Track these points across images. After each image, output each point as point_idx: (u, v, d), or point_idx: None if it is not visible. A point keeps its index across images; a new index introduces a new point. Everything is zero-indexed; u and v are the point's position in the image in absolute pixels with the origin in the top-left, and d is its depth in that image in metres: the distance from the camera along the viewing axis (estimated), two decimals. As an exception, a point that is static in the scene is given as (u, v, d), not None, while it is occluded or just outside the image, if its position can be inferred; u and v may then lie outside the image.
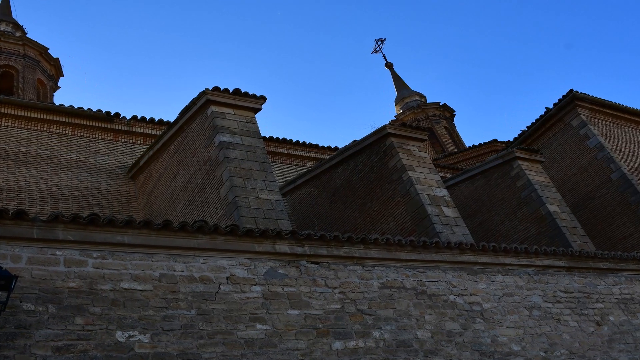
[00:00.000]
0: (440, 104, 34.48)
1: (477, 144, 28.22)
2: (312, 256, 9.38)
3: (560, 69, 71.25)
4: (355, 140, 16.17)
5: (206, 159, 12.80)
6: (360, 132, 70.80)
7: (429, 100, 35.23)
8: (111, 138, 16.36)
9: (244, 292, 8.33)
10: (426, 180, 14.30)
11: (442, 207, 13.82)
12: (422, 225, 13.46)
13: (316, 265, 9.32)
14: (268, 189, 12.06)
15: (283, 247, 9.17)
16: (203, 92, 13.19)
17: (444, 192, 14.30)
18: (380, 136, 15.17)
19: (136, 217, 14.60)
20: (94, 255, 7.62)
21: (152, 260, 7.97)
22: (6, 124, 15.17)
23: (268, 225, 11.05)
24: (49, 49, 25.20)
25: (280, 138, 19.24)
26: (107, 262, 7.63)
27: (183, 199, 13.54)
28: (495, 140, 28.05)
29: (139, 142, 16.73)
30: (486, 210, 17.81)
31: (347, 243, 9.82)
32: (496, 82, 74.99)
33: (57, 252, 7.41)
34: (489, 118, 73.15)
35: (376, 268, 9.93)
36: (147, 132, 16.83)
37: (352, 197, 15.68)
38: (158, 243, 8.18)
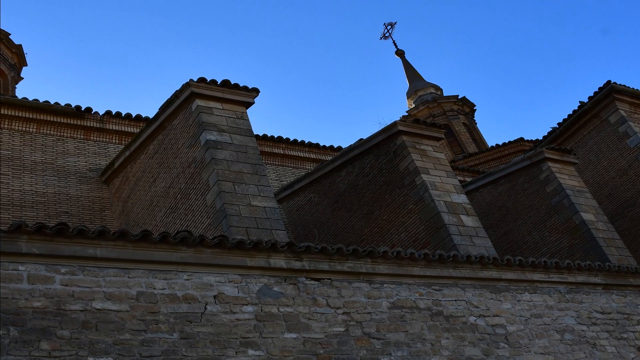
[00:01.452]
0: (459, 97, 34.57)
1: (500, 144, 28.31)
2: (312, 272, 9.40)
3: (596, 57, 71.42)
4: (361, 139, 16.20)
5: (190, 160, 12.84)
6: (367, 129, 70.97)
7: (445, 93, 35.32)
8: (82, 136, 16.40)
9: (234, 313, 8.35)
10: (442, 184, 14.33)
11: (461, 215, 13.85)
12: (438, 236, 13.48)
13: (316, 282, 9.34)
14: (261, 194, 12.09)
15: (279, 261, 9.19)
16: (187, 83, 13.24)
17: (463, 199, 14.32)
18: (390, 134, 15.20)
19: (110, 227, 14.63)
20: (62, 270, 7.63)
21: (128, 277, 7.98)
22: (-38, 120, 15.22)
23: (261, 236, 11.07)
24: (10, 34, 25.28)
25: (276, 136, 19.29)
26: (77, 279, 7.65)
27: (164, 206, 13.57)
28: (521, 139, 28.14)
29: (113, 141, 16.77)
30: (511, 219, 17.83)
31: (351, 257, 9.84)
32: (523, 73, 75.16)
33: (20, 267, 7.42)
34: (514, 114, 73.28)
35: (385, 285, 9.94)
36: (123, 129, 16.88)
37: (358, 204, 15.71)
38: (135, 257, 8.19)
